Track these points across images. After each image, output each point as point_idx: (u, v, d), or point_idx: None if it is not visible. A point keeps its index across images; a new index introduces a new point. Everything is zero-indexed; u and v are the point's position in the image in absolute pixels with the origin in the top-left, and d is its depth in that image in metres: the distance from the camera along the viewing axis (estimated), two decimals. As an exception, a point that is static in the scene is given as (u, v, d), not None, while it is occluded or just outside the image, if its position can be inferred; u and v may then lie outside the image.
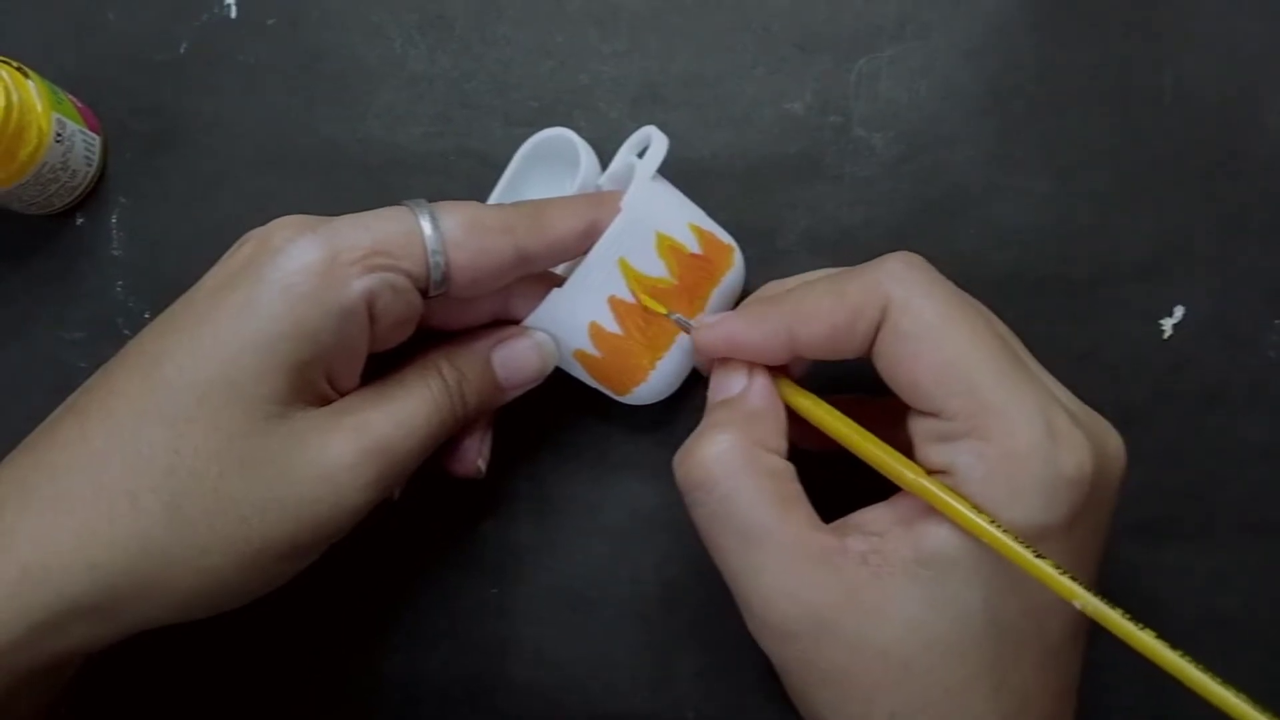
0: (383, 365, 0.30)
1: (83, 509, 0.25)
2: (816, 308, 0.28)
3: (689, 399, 0.36)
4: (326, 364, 0.27)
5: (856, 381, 0.32)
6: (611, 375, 0.33)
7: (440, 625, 0.36)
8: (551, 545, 0.36)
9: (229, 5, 0.39)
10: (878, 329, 0.27)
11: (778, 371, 0.30)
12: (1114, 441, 0.27)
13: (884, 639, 0.25)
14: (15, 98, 0.34)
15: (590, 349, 0.32)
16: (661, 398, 0.34)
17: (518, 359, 0.31)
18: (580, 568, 0.36)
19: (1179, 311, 0.36)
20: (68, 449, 0.26)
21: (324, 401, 0.28)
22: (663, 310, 0.32)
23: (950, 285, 0.28)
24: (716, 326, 0.30)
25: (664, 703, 0.36)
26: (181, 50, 0.38)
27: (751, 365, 0.30)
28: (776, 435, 0.29)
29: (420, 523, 0.36)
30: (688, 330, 0.31)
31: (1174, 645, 0.23)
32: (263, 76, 0.38)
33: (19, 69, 0.35)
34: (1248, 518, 0.36)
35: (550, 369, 0.32)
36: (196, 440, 0.25)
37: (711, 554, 0.28)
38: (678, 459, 0.28)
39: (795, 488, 0.28)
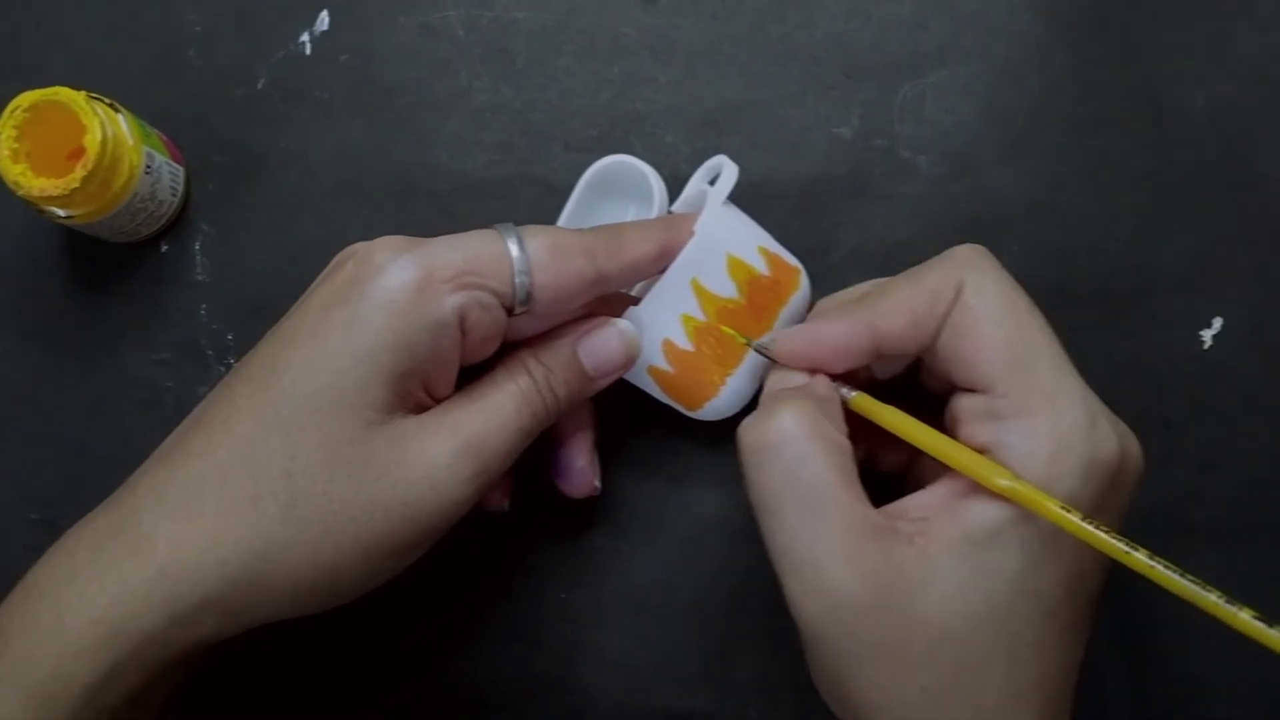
0: (475, 379, 0.31)
1: (211, 513, 0.27)
2: (895, 298, 0.29)
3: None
4: (423, 374, 0.29)
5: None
6: (684, 391, 0.34)
7: (513, 627, 0.37)
8: (618, 552, 0.38)
9: (304, 42, 0.41)
10: (948, 311, 0.29)
11: (856, 386, 0.31)
12: (1135, 445, 0.29)
13: (925, 612, 0.26)
14: (110, 132, 0.36)
15: (664, 365, 0.33)
16: (732, 413, 0.35)
17: (602, 346, 0.32)
18: (646, 573, 0.38)
19: (1218, 323, 0.38)
20: (197, 459, 0.28)
21: (422, 409, 0.30)
22: (742, 340, 0.33)
23: (1011, 278, 0.30)
24: (797, 334, 0.31)
25: (727, 703, 0.37)
26: (259, 86, 0.40)
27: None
28: (839, 420, 0.30)
29: (497, 530, 0.37)
30: (767, 354, 0.32)
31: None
32: (336, 109, 0.40)
33: (111, 105, 0.37)
34: (1287, 523, 0.37)
35: (636, 355, 0.33)
36: (309, 447, 0.27)
37: (764, 518, 0.28)
38: (746, 425, 0.29)
39: (854, 467, 0.29)
